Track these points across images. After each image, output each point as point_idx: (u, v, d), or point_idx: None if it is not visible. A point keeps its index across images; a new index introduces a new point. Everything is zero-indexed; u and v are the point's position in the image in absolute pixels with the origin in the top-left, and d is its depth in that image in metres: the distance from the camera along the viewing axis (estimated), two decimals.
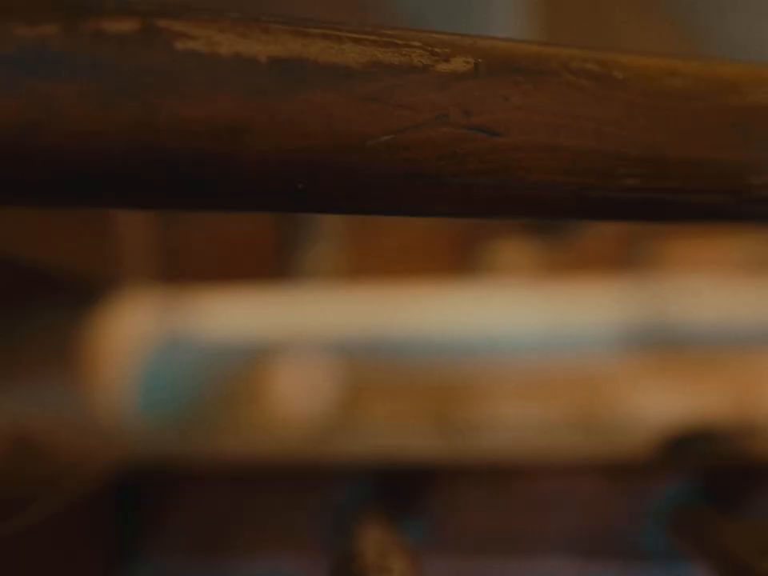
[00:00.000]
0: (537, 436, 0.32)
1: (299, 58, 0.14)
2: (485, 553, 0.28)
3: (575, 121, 0.15)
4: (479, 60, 0.15)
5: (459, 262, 0.40)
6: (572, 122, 0.15)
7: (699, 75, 0.16)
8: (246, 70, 0.13)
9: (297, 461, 0.30)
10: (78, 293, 0.33)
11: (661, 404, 1.45)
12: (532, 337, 1.76)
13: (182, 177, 0.14)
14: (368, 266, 0.39)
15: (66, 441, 0.30)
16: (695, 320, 1.71)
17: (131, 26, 0.12)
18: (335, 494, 0.28)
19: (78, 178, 0.13)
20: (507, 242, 0.35)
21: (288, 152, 0.14)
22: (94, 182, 0.13)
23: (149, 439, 0.34)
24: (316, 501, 0.28)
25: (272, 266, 0.38)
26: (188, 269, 0.38)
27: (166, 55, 0.13)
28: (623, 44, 0.75)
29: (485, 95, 0.15)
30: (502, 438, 0.32)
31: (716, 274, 0.41)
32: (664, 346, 1.60)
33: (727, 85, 0.16)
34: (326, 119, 0.14)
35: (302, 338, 1.68)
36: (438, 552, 0.28)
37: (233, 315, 0.45)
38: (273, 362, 1.32)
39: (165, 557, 0.29)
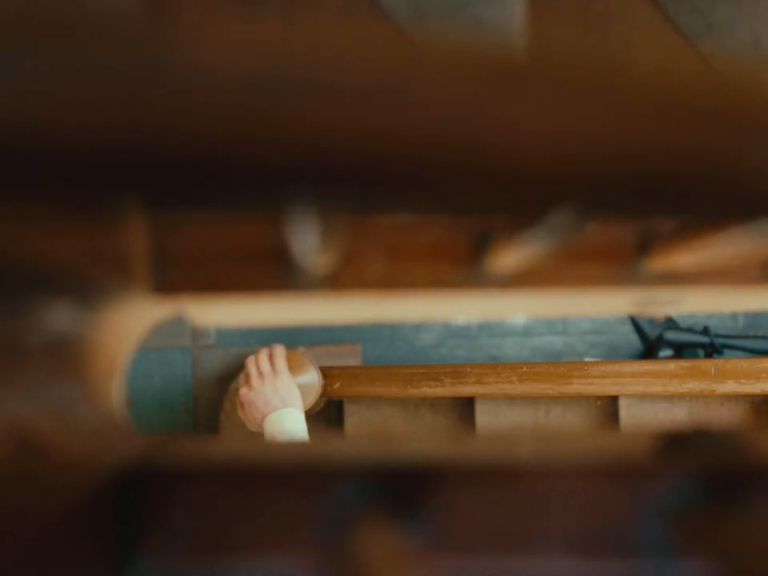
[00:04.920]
0: (537, 435, 0.32)
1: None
2: (485, 553, 0.28)
3: (575, 121, 0.15)
4: None
5: (459, 263, 0.40)
6: (572, 122, 0.15)
7: (699, 75, 0.16)
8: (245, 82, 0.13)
9: (297, 460, 0.29)
10: (78, 293, 0.33)
11: (661, 404, 1.46)
12: (531, 336, 1.76)
13: (190, 178, 0.14)
14: (367, 267, 0.39)
15: (66, 441, 0.30)
16: (694, 321, 1.71)
17: None
18: (335, 493, 0.28)
19: (68, 176, 0.13)
20: (507, 241, 0.35)
21: (289, 157, 0.14)
22: (81, 182, 0.13)
23: (148, 439, 0.34)
24: (316, 501, 0.28)
25: (272, 268, 0.38)
26: (188, 269, 0.38)
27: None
28: (621, 41, 0.75)
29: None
30: (502, 438, 0.32)
31: (715, 275, 0.41)
32: (662, 346, 1.60)
33: (726, 85, 0.16)
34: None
35: (301, 338, 1.67)
36: (438, 552, 0.28)
37: (232, 316, 0.45)
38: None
39: (165, 557, 0.29)
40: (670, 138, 0.16)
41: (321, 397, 1.33)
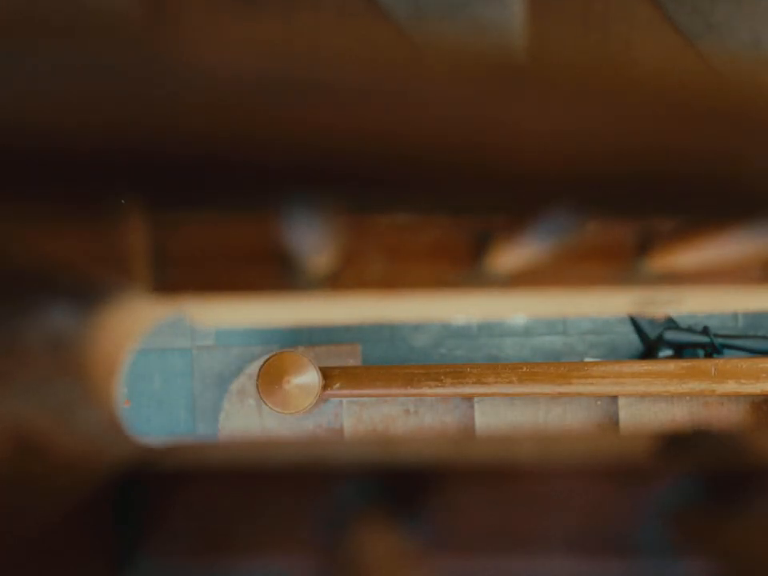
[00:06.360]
0: (536, 435, 0.32)
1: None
2: (485, 553, 0.28)
3: (575, 121, 0.15)
4: None
5: (459, 263, 0.40)
6: (572, 122, 0.15)
7: (699, 75, 0.16)
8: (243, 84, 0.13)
9: (297, 460, 0.30)
10: (78, 293, 0.33)
11: (661, 404, 1.46)
12: (531, 336, 1.76)
13: (190, 178, 0.14)
14: (367, 267, 0.39)
15: (66, 441, 0.30)
16: (694, 321, 1.71)
17: None
18: (335, 493, 0.28)
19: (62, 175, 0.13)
20: (507, 241, 0.35)
21: (289, 157, 0.14)
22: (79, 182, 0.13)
23: (147, 439, 0.34)
24: (316, 501, 0.28)
25: (272, 268, 0.38)
26: (188, 269, 0.38)
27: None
28: (618, 39, 0.75)
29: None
30: (502, 438, 0.32)
31: (715, 275, 0.41)
32: (662, 346, 1.60)
33: (726, 85, 0.16)
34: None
35: (301, 338, 1.67)
36: (438, 552, 0.28)
37: (232, 316, 0.45)
38: (272, 363, 1.32)
39: (165, 557, 0.29)
40: (670, 138, 0.16)
41: (320, 397, 1.33)
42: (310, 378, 1.31)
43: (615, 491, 0.28)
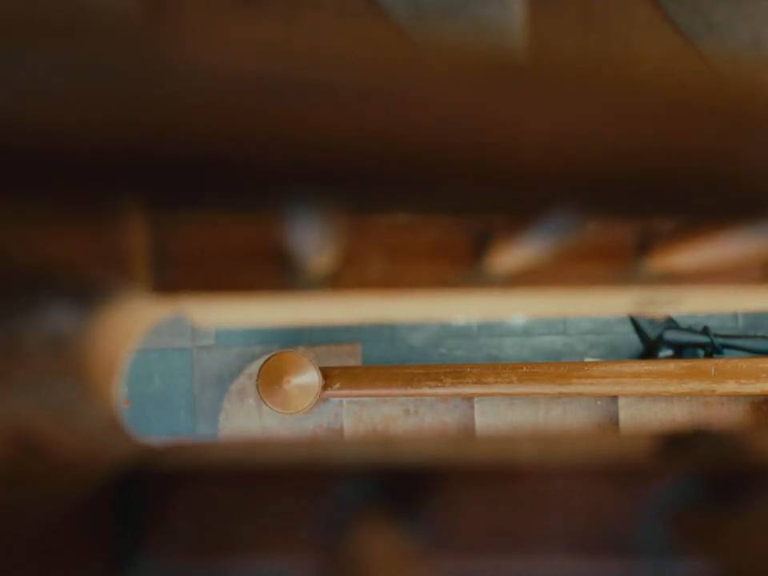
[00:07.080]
0: (536, 436, 0.32)
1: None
2: (485, 553, 0.28)
3: (575, 121, 0.15)
4: None
5: (459, 263, 0.40)
6: (572, 122, 0.15)
7: (699, 75, 0.16)
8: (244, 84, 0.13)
9: (297, 460, 0.29)
10: (78, 293, 0.33)
11: (661, 404, 1.45)
12: (531, 336, 1.76)
13: (190, 178, 0.14)
14: (367, 267, 0.39)
15: (66, 441, 0.30)
16: (694, 321, 1.71)
17: None
18: (335, 493, 0.28)
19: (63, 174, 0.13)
20: (507, 241, 0.35)
21: (289, 157, 0.14)
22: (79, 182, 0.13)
23: (147, 439, 0.34)
24: (316, 501, 0.28)
25: (272, 268, 0.38)
26: (188, 269, 0.38)
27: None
28: (618, 38, 0.75)
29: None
30: (502, 438, 0.32)
31: (715, 275, 0.41)
32: (662, 346, 1.59)
33: (726, 85, 0.16)
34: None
35: (301, 338, 1.67)
36: (438, 552, 0.28)
37: (232, 316, 0.45)
38: (272, 363, 1.32)
39: (165, 557, 0.29)
40: (670, 138, 0.16)
41: (320, 397, 1.33)
42: (310, 378, 1.31)
43: (615, 491, 0.28)
